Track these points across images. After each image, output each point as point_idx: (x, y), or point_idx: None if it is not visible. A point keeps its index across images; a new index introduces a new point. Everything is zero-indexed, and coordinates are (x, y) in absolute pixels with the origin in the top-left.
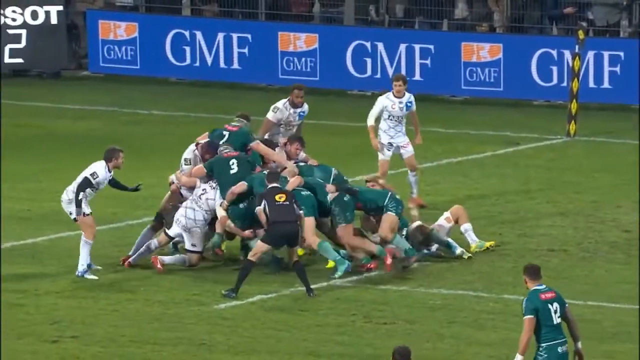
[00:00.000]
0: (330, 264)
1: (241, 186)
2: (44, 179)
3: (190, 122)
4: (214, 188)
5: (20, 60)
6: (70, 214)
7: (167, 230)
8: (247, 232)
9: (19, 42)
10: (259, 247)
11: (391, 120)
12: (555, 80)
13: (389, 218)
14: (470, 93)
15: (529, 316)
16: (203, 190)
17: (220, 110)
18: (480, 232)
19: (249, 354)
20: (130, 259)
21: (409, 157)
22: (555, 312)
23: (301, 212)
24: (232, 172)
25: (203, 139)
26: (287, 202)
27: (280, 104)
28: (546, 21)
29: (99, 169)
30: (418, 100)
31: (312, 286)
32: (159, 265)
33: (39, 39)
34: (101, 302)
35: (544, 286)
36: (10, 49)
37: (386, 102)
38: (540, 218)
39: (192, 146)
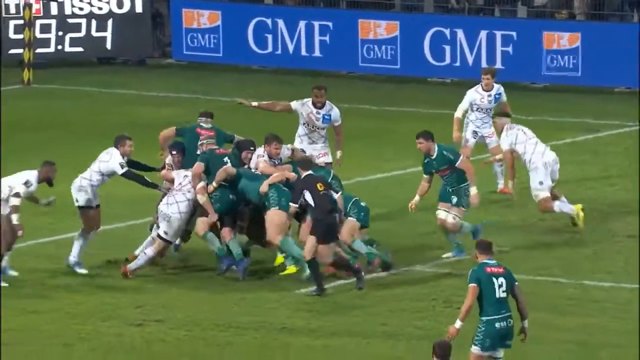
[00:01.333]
0: (279, 259)
1: (232, 169)
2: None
3: None
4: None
5: (106, 48)
6: (77, 200)
7: (159, 233)
8: (215, 217)
9: (105, 31)
10: (311, 245)
11: (479, 112)
12: (635, 67)
13: (349, 223)
14: (550, 80)
15: (472, 284)
16: (185, 176)
17: (300, 97)
18: (559, 217)
19: (328, 338)
20: (129, 266)
21: (494, 147)
22: (500, 286)
23: (339, 194)
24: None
25: (169, 133)
26: (326, 191)
27: (306, 99)
28: (627, 8)
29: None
30: None
31: (392, 272)
32: (129, 275)
33: (125, 28)
34: (184, 286)
35: (494, 261)
36: (97, 37)
37: (475, 95)
38: (619, 205)
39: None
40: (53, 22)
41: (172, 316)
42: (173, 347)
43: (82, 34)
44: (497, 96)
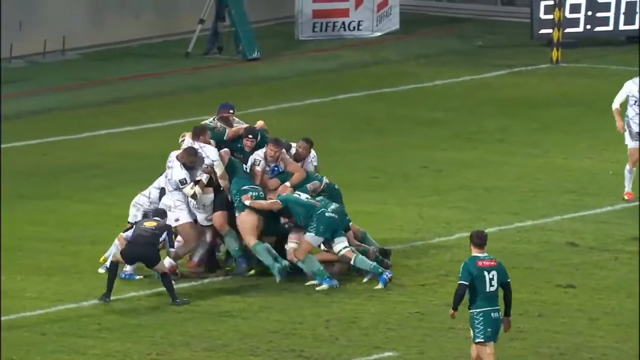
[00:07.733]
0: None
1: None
2: None
3: None
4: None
5: (636, 27)
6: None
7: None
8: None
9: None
10: (117, 256)
11: (637, 105)
12: None
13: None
14: None
15: None
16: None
17: None
18: None
19: None
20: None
21: None
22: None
23: (165, 240)
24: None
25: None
26: (154, 228)
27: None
28: None
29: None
30: None
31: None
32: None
33: None
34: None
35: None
36: (625, 17)
37: (632, 86)
38: None
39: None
40: (583, 2)
41: None
42: None
43: (611, 13)
44: None
